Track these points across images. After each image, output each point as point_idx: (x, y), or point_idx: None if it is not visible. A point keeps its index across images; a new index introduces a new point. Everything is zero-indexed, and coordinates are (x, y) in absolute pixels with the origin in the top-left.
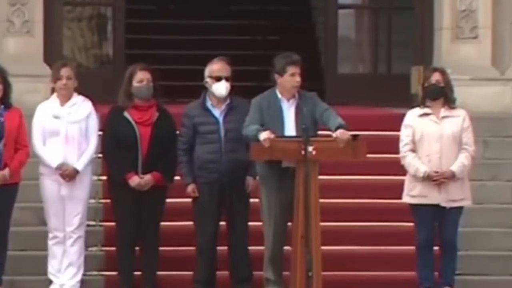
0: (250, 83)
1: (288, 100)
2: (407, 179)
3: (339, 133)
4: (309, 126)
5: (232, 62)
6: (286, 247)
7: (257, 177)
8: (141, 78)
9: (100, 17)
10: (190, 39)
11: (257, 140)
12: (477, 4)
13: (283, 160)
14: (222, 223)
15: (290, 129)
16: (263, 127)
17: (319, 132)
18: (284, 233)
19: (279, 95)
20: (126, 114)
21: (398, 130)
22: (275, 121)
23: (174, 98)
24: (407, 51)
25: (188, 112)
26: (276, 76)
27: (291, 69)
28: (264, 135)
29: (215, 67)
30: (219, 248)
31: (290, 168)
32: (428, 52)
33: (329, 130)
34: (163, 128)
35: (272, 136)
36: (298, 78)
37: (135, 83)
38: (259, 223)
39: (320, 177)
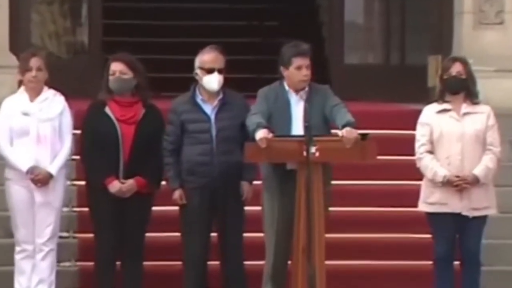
0: (246, 74)
1: (297, 93)
2: (423, 184)
3: (346, 131)
4: (318, 123)
5: (225, 51)
6: (290, 262)
7: (254, 182)
8: (113, 70)
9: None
10: (177, 24)
11: (253, 136)
12: None
13: (287, 162)
14: (214, 234)
15: (298, 126)
16: (270, 120)
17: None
18: (287, 246)
19: (287, 88)
20: (107, 110)
21: (413, 128)
22: (282, 117)
23: (159, 92)
24: (423, 38)
25: (175, 107)
26: (282, 68)
27: (297, 61)
28: (260, 134)
29: (207, 57)
30: (210, 263)
31: (295, 171)
32: (447, 40)
33: (338, 128)
34: (149, 127)
35: (270, 136)
36: (305, 72)
37: (109, 76)
38: (256, 234)
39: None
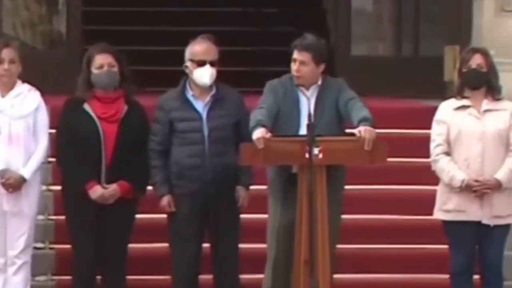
0: (242, 67)
1: (308, 89)
2: (439, 189)
3: (364, 131)
4: (330, 121)
5: (219, 42)
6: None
7: (251, 187)
8: (100, 63)
9: None
10: (165, 11)
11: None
12: None
13: (293, 165)
14: (206, 245)
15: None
16: (277, 117)
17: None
18: (289, 256)
19: (295, 83)
20: (86, 107)
21: (428, 127)
22: (290, 115)
23: (144, 87)
24: (439, 27)
25: (163, 104)
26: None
27: (293, 54)
28: (257, 134)
29: (197, 48)
30: (201, 276)
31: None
32: (466, 29)
33: (354, 125)
34: (133, 125)
35: (268, 135)
36: (295, 66)
37: (93, 70)
38: (253, 245)
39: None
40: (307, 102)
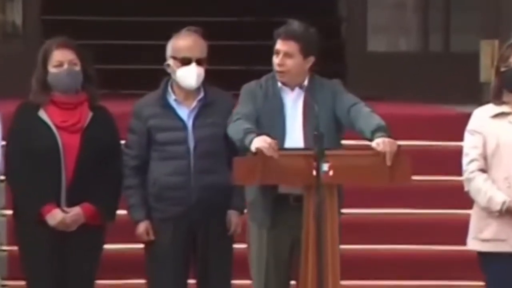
0: (235, 66)
1: (293, 89)
2: (474, 214)
3: (382, 142)
4: (327, 131)
5: (207, 35)
6: None
7: (244, 212)
8: (59, 61)
9: None
10: None
11: (246, 148)
12: None
13: (279, 184)
14: (192, 281)
15: (295, 135)
16: (258, 126)
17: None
18: None
19: (279, 83)
20: (42, 114)
21: (460, 139)
22: (274, 123)
23: (116, 90)
24: (474, 18)
25: (140, 111)
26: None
27: (276, 44)
28: (260, 141)
29: (182, 43)
30: None
31: (291, 196)
32: (506, 19)
33: (364, 137)
34: (99, 136)
35: (274, 145)
36: (277, 59)
37: (51, 68)
38: (247, 281)
39: (343, 211)
40: (292, 107)
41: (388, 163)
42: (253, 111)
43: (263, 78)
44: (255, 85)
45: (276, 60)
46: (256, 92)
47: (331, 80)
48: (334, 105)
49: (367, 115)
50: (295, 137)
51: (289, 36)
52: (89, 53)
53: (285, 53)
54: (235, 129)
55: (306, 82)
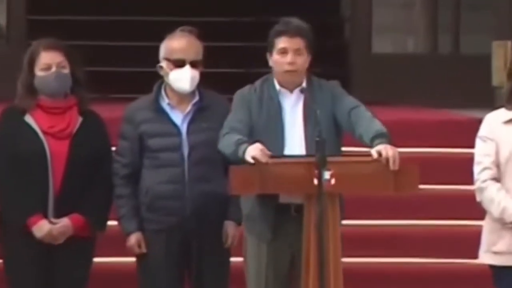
0: (232, 69)
1: (292, 92)
2: (486, 225)
3: (384, 148)
4: (328, 136)
5: (203, 36)
6: None
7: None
8: (47, 63)
9: None
10: None
11: (240, 160)
12: None
13: (280, 194)
14: None
15: (294, 141)
16: (253, 138)
17: (345, 149)
18: None
19: (277, 85)
20: (28, 119)
21: (472, 146)
22: (271, 129)
23: (107, 93)
24: (485, 17)
25: (131, 115)
26: (268, 54)
27: (281, 42)
28: (254, 150)
29: (175, 44)
30: None
31: (293, 206)
32: None
33: (363, 143)
34: (88, 143)
35: (265, 151)
36: (290, 58)
37: (38, 71)
38: None
39: (345, 222)
40: (291, 111)
41: (393, 167)
42: (246, 120)
43: (258, 82)
44: (249, 90)
45: (287, 58)
46: (250, 97)
47: (330, 81)
48: (334, 108)
49: (368, 120)
50: (295, 143)
51: (296, 33)
52: (78, 55)
53: (295, 50)
54: (225, 143)
55: (304, 84)
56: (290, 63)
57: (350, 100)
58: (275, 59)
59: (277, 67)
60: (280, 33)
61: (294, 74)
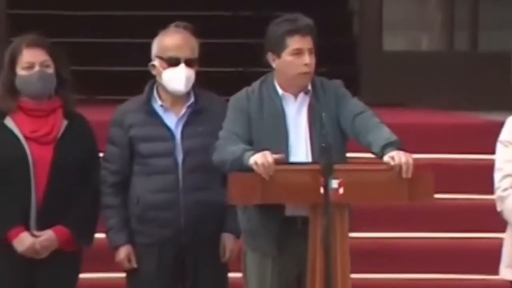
0: (231, 68)
1: (296, 97)
2: (508, 238)
3: (397, 154)
4: (333, 142)
5: (199, 32)
6: None
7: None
8: (29, 62)
9: None
10: None
11: (243, 168)
12: None
13: (286, 204)
14: None
15: (300, 150)
16: (255, 148)
17: (349, 155)
18: None
19: (279, 90)
20: (9, 122)
21: (492, 151)
22: (275, 138)
23: (94, 95)
24: (504, 13)
25: (121, 118)
26: (270, 56)
27: (294, 43)
28: (261, 157)
29: (169, 41)
30: None
31: (300, 220)
32: None
33: (373, 152)
34: (74, 148)
35: (271, 168)
36: (307, 59)
37: (20, 71)
38: None
39: (353, 235)
40: (296, 117)
41: (406, 175)
42: (243, 134)
43: (256, 84)
44: (246, 95)
45: (303, 59)
46: (248, 104)
47: (332, 81)
48: (338, 111)
49: (376, 127)
50: (300, 152)
51: (308, 31)
52: (64, 53)
53: (309, 50)
54: (227, 151)
55: (309, 86)
56: (307, 65)
57: (355, 104)
58: (287, 61)
59: (289, 69)
60: (293, 32)
61: (309, 76)
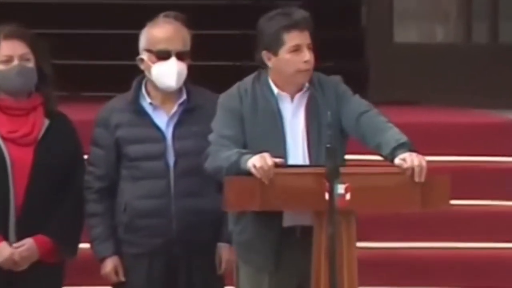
0: (226, 61)
1: (292, 96)
2: None
3: (409, 156)
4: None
5: (191, 23)
6: None
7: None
8: (8, 55)
9: None
10: None
11: (240, 173)
12: None
13: (284, 213)
14: None
15: (297, 152)
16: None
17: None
18: None
19: (275, 89)
20: None
21: (510, 153)
22: (270, 141)
23: (77, 91)
24: None
25: (106, 118)
26: (265, 54)
27: (292, 39)
28: (258, 160)
29: (159, 32)
30: None
31: (298, 230)
32: None
33: (382, 155)
34: (56, 150)
35: (271, 171)
36: (306, 56)
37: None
38: None
39: (360, 244)
40: (292, 118)
41: (419, 179)
42: (236, 135)
43: (248, 81)
44: (237, 92)
45: (303, 56)
46: (241, 105)
47: (331, 77)
48: (338, 110)
49: (384, 127)
50: (298, 155)
51: (305, 25)
52: (46, 45)
53: (307, 46)
54: (221, 158)
55: (307, 85)
56: (307, 61)
57: (357, 102)
58: (285, 59)
59: (287, 67)
60: (289, 27)
61: (308, 73)
